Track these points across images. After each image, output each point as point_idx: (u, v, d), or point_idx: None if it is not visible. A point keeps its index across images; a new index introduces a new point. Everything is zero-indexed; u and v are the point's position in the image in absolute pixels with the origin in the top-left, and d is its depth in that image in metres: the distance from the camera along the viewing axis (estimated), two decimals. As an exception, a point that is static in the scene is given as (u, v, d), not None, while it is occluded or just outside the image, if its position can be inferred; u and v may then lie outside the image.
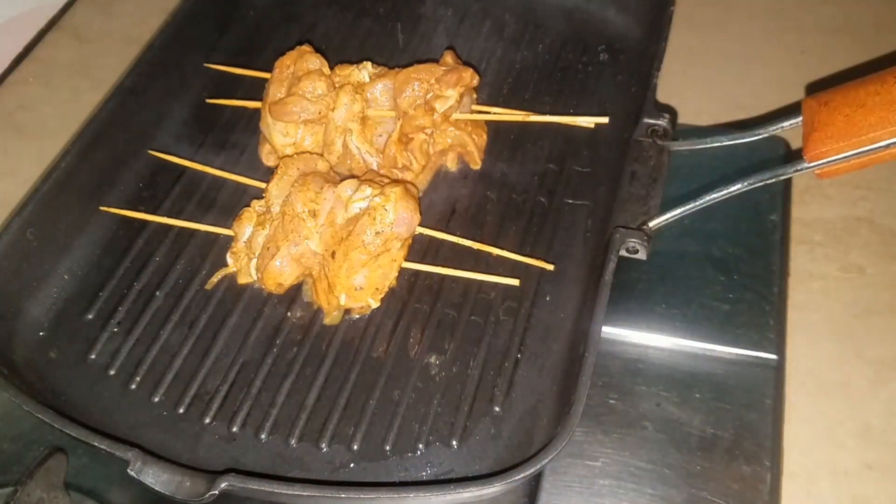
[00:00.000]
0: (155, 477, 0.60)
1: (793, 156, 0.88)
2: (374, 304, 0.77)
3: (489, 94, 0.94)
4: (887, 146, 0.61)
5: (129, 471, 0.60)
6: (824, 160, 0.64)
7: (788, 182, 0.88)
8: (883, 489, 0.69)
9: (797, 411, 0.73)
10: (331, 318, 0.77)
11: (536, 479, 0.68)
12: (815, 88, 0.98)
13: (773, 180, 0.68)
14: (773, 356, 0.75)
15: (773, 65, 1.02)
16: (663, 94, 0.89)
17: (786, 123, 0.71)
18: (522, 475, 0.58)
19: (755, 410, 0.72)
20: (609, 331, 0.77)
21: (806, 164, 0.65)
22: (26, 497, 0.62)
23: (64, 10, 1.12)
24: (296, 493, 0.59)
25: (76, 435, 0.61)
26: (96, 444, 0.61)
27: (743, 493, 0.67)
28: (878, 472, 0.69)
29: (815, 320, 0.79)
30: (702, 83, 1.00)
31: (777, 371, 0.74)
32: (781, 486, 0.68)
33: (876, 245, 0.84)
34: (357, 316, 0.77)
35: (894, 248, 0.84)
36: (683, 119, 0.94)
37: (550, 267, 0.78)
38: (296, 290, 0.79)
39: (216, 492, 0.59)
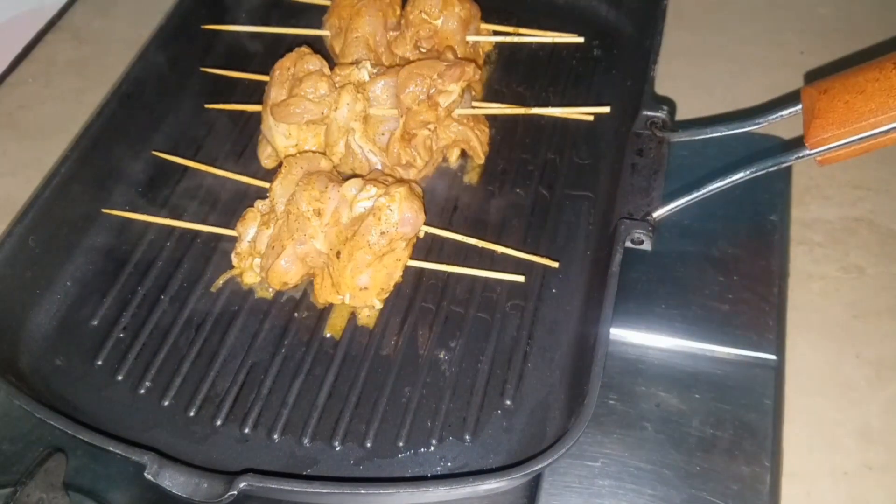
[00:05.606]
0: (172, 479, 0.60)
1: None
2: (378, 306, 0.77)
3: (488, 89, 0.94)
4: (888, 131, 0.62)
5: (146, 474, 0.59)
6: (826, 146, 0.65)
7: (788, 182, 0.88)
8: (883, 489, 0.69)
9: (797, 411, 0.73)
10: (363, 318, 0.77)
11: (536, 480, 0.69)
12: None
13: (776, 168, 0.68)
14: (773, 357, 0.75)
15: (771, 65, 1.02)
16: (660, 95, 0.90)
17: (785, 112, 0.71)
18: (541, 465, 0.59)
19: (755, 410, 0.72)
20: (609, 331, 0.77)
21: (808, 151, 0.66)
22: (26, 497, 0.62)
23: (64, 11, 1.12)
24: (315, 490, 0.59)
25: (91, 440, 0.61)
26: (111, 448, 0.61)
27: (743, 493, 0.68)
28: (877, 472, 0.70)
29: (814, 320, 0.79)
30: (700, 84, 1.00)
31: (777, 371, 0.75)
32: (781, 486, 0.68)
33: (875, 245, 0.84)
34: (364, 316, 0.77)
35: (894, 248, 0.83)
36: (681, 119, 0.94)
37: (555, 264, 0.79)
38: (302, 290, 0.79)
39: (235, 492, 0.59)
